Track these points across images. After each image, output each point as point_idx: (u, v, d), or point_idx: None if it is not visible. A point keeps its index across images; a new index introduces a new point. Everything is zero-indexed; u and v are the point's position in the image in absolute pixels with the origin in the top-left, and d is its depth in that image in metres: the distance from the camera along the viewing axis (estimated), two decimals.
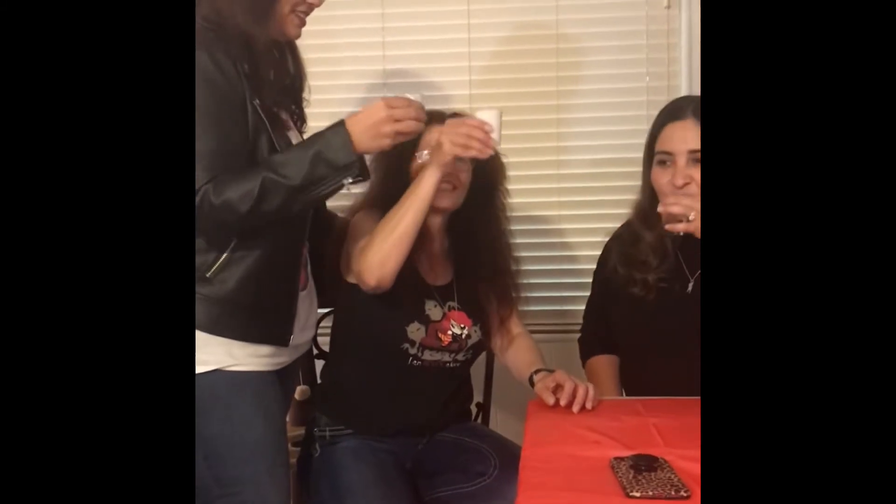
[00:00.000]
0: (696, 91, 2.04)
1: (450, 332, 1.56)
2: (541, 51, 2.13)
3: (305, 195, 1.27)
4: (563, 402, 1.40)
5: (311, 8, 1.36)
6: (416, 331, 1.53)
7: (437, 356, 1.55)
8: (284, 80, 1.40)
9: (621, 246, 1.62)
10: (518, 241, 1.73)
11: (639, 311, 1.55)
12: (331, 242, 1.59)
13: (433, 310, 1.56)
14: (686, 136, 1.46)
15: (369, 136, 1.27)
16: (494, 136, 1.36)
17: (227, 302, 1.31)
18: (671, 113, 1.53)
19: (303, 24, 1.37)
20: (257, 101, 1.29)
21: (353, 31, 2.15)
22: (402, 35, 2.15)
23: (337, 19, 2.14)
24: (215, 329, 1.31)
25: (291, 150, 1.31)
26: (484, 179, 1.61)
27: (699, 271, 1.50)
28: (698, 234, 1.36)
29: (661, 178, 1.50)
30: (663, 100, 2.07)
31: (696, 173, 1.45)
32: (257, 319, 1.35)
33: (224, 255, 1.30)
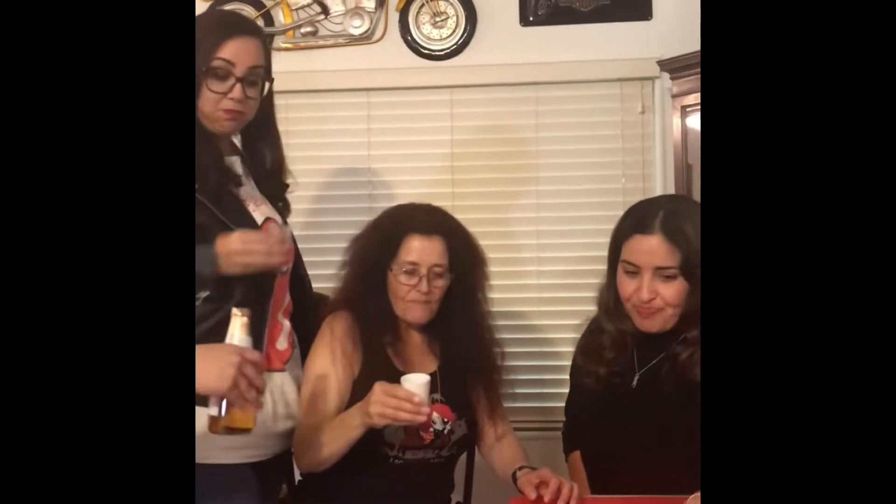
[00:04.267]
0: (671, 192, 2.12)
1: (431, 430, 1.50)
2: (521, 152, 2.21)
3: None
4: (546, 500, 1.38)
5: (235, 109, 1.40)
6: (393, 433, 1.47)
7: (419, 454, 1.52)
8: (230, 170, 1.45)
9: (585, 336, 1.63)
10: (499, 336, 1.70)
11: (590, 403, 1.56)
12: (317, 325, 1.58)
13: None
14: (653, 252, 1.45)
15: (225, 261, 1.34)
16: (424, 407, 1.38)
17: None
18: (638, 223, 1.50)
19: (232, 120, 1.42)
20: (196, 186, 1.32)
21: (339, 132, 2.23)
22: (387, 136, 2.23)
23: (325, 120, 2.23)
24: None
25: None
26: (463, 280, 1.57)
27: (647, 366, 1.52)
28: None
29: (628, 286, 1.49)
30: (638, 200, 2.15)
31: (663, 288, 1.46)
32: None
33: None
